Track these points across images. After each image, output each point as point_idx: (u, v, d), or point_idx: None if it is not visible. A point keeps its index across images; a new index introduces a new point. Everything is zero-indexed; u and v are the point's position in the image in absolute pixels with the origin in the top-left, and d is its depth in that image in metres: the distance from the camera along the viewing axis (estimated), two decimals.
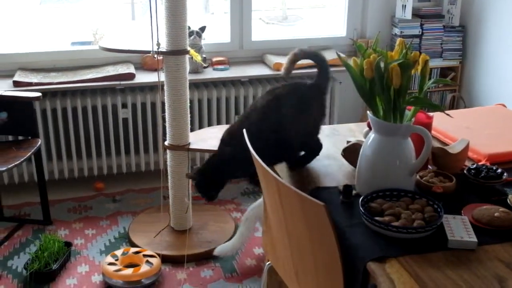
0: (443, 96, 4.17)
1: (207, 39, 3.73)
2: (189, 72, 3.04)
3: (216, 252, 2.88)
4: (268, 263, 2.05)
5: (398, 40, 1.70)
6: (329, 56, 3.77)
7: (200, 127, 3.68)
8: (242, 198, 3.59)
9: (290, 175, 1.95)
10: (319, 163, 1.96)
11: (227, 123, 3.74)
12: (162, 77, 2.86)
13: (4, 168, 2.76)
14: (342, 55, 1.82)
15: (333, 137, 2.19)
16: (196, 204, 3.27)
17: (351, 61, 1.72)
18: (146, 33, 2.83)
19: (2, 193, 3.34)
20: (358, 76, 1.69)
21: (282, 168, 2.06)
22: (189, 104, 2.92)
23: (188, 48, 2.81)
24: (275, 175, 1.48)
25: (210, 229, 3.14)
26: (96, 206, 3.49)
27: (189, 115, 2.93)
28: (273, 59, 3.73)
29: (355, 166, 1.81)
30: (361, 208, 1.56)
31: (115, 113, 3.57)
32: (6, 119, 3.07)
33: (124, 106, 3.56)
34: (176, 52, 2.74)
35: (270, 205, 1.72)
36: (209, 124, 3.72)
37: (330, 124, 3.81)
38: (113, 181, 3.75)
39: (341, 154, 1.94)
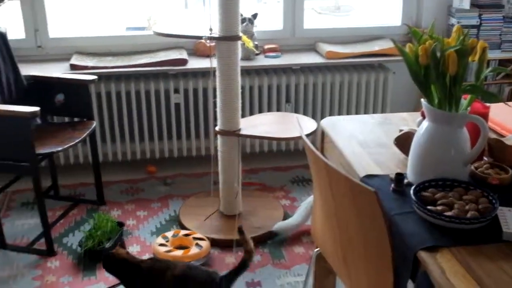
0: (501, 89, 4.05)
1: (259, 27, 3.74)
2: (241, 59, 3.05)
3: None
4: (316, 249, 2.05)
5: (456, 26, 1.66)
6: (383, 44, 3.74)
7: (251, 114, 3.69)
8: (292, 186, 3.59)
9: (340, 162, 1.94)
10: (371, 151, 1.94)
11: (277, 110, 3.75)
12: (214, 63, 2.88)
13: (60, 148, 2.84)
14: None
15: (385, 126, 2.16)
16: (246, 190, 3.29)
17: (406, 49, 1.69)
18: (199, 20, 2.85)
19: (58, 173, 3.44)
20: (414, 63, 1.66)
21: (331, 155, 2.06)
22: (240, 90, 2.94)
23: (241, 34, 2.82)
24: (326, 160, 1.48)
25: (259, 215, 3.16)
26: (148, 188, 3.56)
27: (240, 101, 2.94)
28: (326, 48, 3.70)
29: (407, 155, 1.78)
30: (413, 197, 1.54)
31: (168, 98, 3.63)
32: (63, 101, 3.16)
33: (176, 91, 3.61)
34: (228, 38, 2.76)
35: (319, 191, 1.72)
36: (260, 111, 3.73)
37: (382, 113, 3.78)
38: (165, 164, 3.82)
39: (394, 143, 1.91)
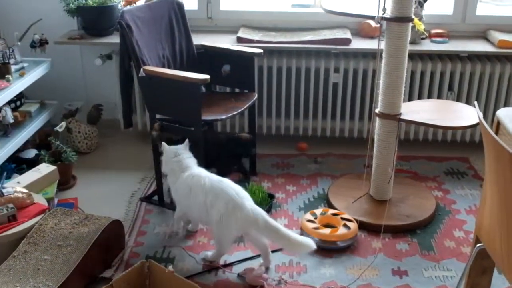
0: None
1: (427, 10, 3.60)
2: None
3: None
4: (479, 245, 1.96)
5: None
6: None
7: (410, 99, 3.60)
8: (445, 178, 3.46)
9: None
10: None
11: (438, 98, 3.61)
12: (379, 45, 2.83)
13: (224, 117, 2.95)
14: None
15: None
16: (398, 177, 3.22)
17: None
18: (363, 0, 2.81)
19: None
20: None
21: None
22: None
23: (413, 16, 2.73)
24: (510, 150, 1.39)
25: (409, 203, 3.08)
26: (298, 164, 3.61)
27: (404, 85, 2.87)
28: (498, 36, 3.49)
29: None
30: None
31: (327, 76, 3.63)
32: (229, 72, 3.27)
33: (337, 70, 3.60)
34: (400, 19, 2.69)
35: (495, 182, 1.63)
36: (419, 98, 3.63)
37: None
38: (316, 143, 3.84)
39: None
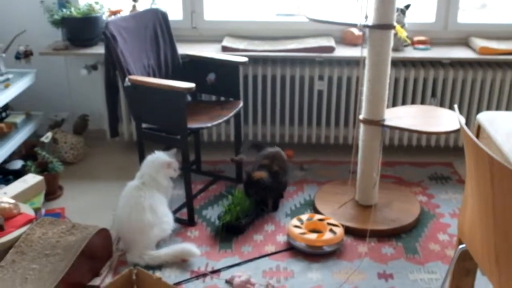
0: None
1: (409, 18, 3.65)
2: None
3: None
4: (461, 246, 1.99)
5: None
6: None
7: (393, 105, 3.64)
8: (430, 183, 3.50)
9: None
10: None
11: (421, 103, 3.66)
12: (363, 52, 2.87)
13: (209, 125, 2.97)
14: None
15: None
16: (382, 182, 3.26)
17: None
18: (346, 8, 2.84)
19: (201, 150, 3.61)
20: None
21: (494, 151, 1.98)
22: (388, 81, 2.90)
23: (395, 24, 2.78)
24: (491, 154, 1.43)
25: (394, 208, 3.12)
26: None
27: (387, 91, 2.91)
28: (479, 43, 3.55)
29: None
30: None
31: (311, 84, 3.67)
32: (214, 80, 3.30)
33: (321, 78, 3.64)
34: (382, 26, 2.73)
35: (476, 184, 1.66)
36: (403, 104, 3.67)
37: None
38: (302, 150, 3.87)
39: None
